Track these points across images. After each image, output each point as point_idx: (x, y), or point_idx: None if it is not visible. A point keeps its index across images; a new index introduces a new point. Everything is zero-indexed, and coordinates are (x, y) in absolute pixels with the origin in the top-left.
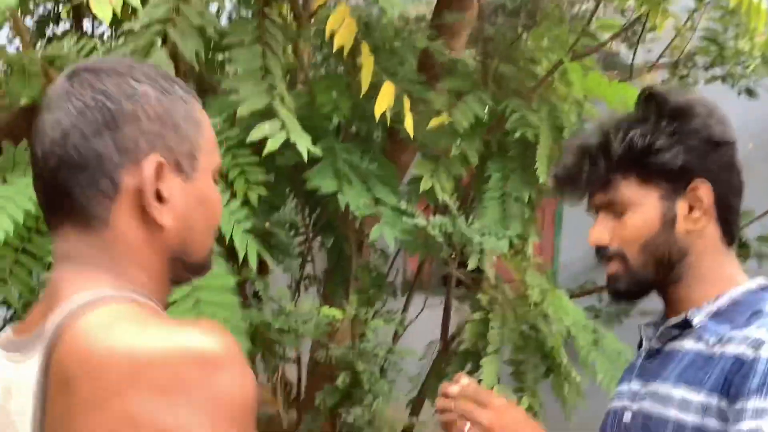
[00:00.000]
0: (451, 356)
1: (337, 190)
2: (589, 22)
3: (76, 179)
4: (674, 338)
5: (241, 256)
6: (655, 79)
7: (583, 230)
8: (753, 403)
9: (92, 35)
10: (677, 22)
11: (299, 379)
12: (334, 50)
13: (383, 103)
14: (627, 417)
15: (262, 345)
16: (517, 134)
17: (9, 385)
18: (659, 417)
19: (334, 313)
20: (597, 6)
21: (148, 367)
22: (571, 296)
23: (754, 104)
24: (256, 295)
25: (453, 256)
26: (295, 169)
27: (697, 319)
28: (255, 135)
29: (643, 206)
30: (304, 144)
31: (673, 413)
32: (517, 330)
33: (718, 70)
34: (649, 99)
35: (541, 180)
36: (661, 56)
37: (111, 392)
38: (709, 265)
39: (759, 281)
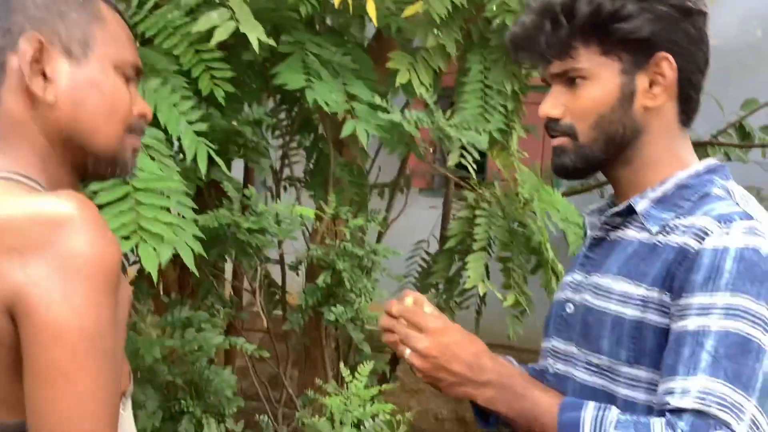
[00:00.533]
0: (439, 254)
1: (305, 86)
2: None
3: None
4: (618, 226)
5: (189, 157)
6: None
7: None
8: (698, 299)
9: None
10: None
11: (283, 279)
12: None
13: None
14: (569, 308)
15: (234, 246)
16: (498, 21)
17: None
18: (599, 310)
19: (307, 212)
20: None
21: (3, 231)
22: (573, 193)
23: None
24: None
25: (432, 151)
26: (267, 64)
27: (641, 205)
28: (201, 25)
29: (602, 78)
30: (254, 35)
31: (612, 307)
32: (505, 227)
33: None
34: None
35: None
36: None
37: None
38: (662, 146)
39: (707, 162)
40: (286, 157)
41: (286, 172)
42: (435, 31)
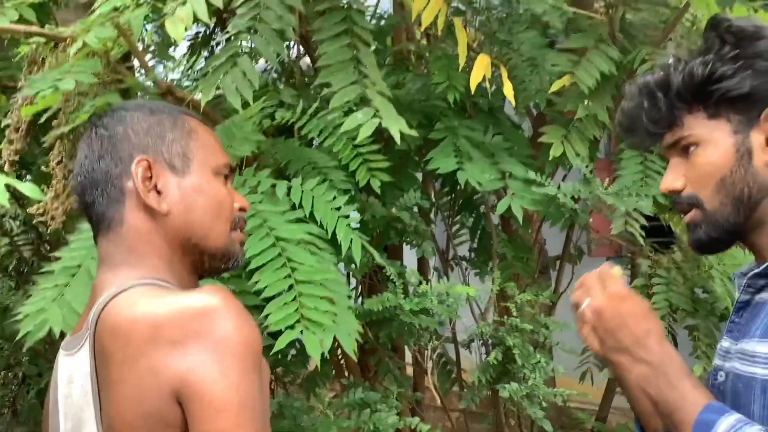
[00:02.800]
0: None
1: (456, 168)
2: None
3: (93, 195)
4: (762, 289)
5: (344, 249)
6: None
7: None
8: None
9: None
10: None
11: (458, 357)
12: (422, 28)
13: (478, 74)
14: (721, 377)
15: (399, 328)
16: None
17: (70, 374)
18: (748, 376)
19: (468, 290)
20: None
21: (162, 327)
22: None
23: None
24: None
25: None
26: (424, 151)
27: None
28: (348, 125)
29: (714, 141)
30: (396, 128)
31: (760, 371)
32: (686, 294)
33: None
34: (712, 27)
35: None
36: None
37: (137, 352)
38: None
39: None
40: (452, 237)
41: (456, 251)
42: (585, 101)
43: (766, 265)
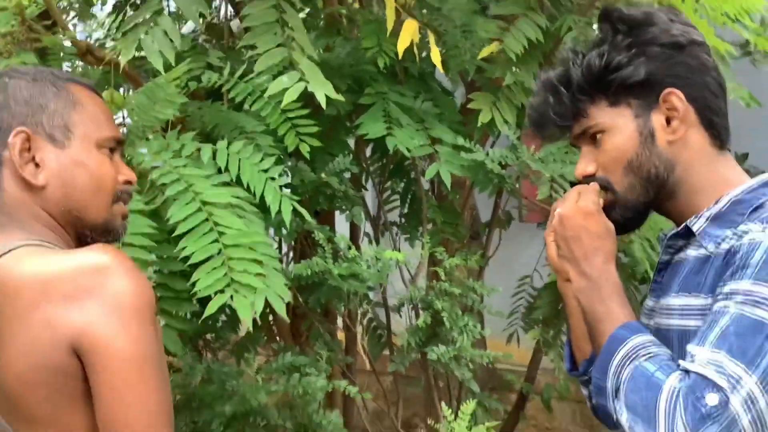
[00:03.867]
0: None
1: (385, 134)
2: None
3: None
4: (680, 249)
5: (273, 212)
6: None
7: None
8: (728, 286)
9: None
10: None
11: (388, 321)
12: None
13: (405, 40)
14: None
15: (329, 292)
16: None
17: None
18: (666, 329)
19: (397, 255)
20: None
21: (54, 282)
22: None
23: None
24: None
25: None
26: (354, 116)
27: (697, 225)
28: (273, 89)
29: (618, 127)
30: (322, 92)
31: (676, 321)
32: None
33: None
34: (605, 18)
35: None
36: None
37: (29, 306)
38: (701, 172)
39: (761, 177)
40: (383, 203)
41: (389, 217)
42: (513, 68)
43: (683, 225)
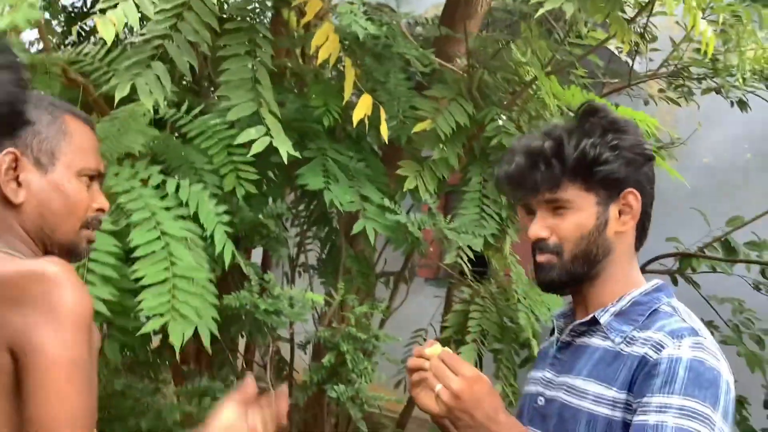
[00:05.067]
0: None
1: (323, 187)
2: (564, 39)
3: None
4: (583, 334)
5: (218, 249)
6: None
7: None
8: (656, 399)
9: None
10: (674, 33)
11: (291, 357)
12: (318, 63)
13: (360, 111)
14: (540, 401)
15: (251, 325)
16: (494, 142)
17: None
18: (575, 408)
19: (317, 298)
20: (572, 24)
21: (4, 285)
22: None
23: (752, 115)
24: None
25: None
26: (292, 166)
27: (603, 318)
28: (241, 138)
29: (583, 209)
30: (284, 148)
31: (587, 405)
32: (497, 321)
33: (714, 82)
34: (593, 112)
35: None
36: (660, 66)
37: None
38: (622, 265)
39: (654, 282)
40: (302, 246)
41: (302, 259)
42: (441, 145)
43: (590, 317)
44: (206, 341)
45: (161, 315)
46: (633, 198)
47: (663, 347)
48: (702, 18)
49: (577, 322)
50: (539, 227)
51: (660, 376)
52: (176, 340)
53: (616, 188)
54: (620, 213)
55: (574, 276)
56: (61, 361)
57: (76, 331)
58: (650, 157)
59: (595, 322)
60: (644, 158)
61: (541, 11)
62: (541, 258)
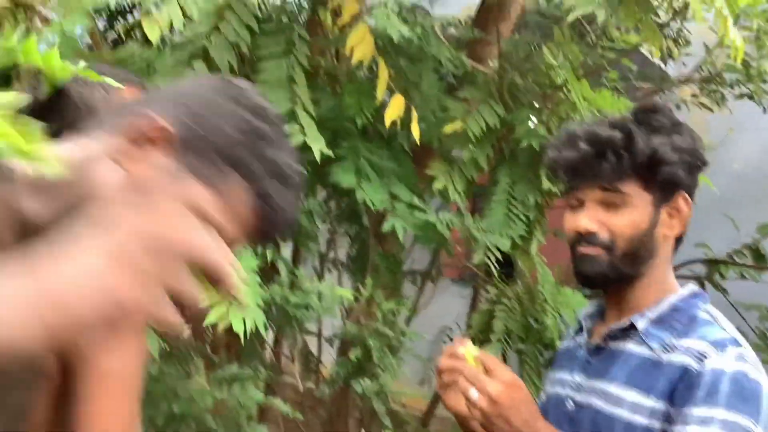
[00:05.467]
0: None
1: (355, 186)
2: (596, 42)
3: None
4: (616, 338)
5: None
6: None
7: None
8: (699, 411)
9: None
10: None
11: (319, 351)
12: (353, 64)
13: (393, 113)
14: (569, 405)
15: (282, 318)
16: (524, 143)
17: None
18: (610, 416)
19: (345, 293)
20: (605, 27)
21: None
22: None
23: None
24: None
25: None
26: (324, 163)
27: (641, 324)
28: None
29: (639, 207)
30: (317, 147)
31: (624, 413)
32: (521, 322)
33: (748, 88)
34: (655, 110)
35: (545, 187)
36: (694, 72)
37: None
38: (662, 269)
39: (690, 287)
40: (332, 242)
41: (331, 255)
42: (470, 146)
43: (627, 322)
44: (260, 327)
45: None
46: (684, 202)
47: (706, 357)
48: (736, 24)
49: (613, 327)
50: (588, 220)
51: (703, 387)
52: (239, 328)
53: (671, 191)
54: (670, 216)
55: (620, 274)
56: (117, 372)
57: (133, 338)
58: (706, 163)
59: (631, 326)
60: (701, 163)
61: (573, 15)
62: (589, 250)
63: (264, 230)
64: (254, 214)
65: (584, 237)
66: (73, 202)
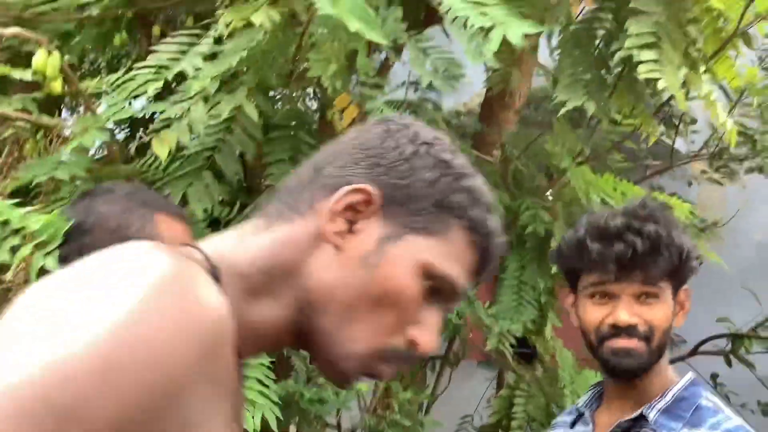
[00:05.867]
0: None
1: None
2: (596, 126)
3: None
4: (627, 429)
5: None
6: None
7: None
8: None
9: None
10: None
11: None
12: None
13: None
14: None
15: (297, 413)
16: (529, 229)
17: None
18: None
19: (361, 386)
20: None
21: None
22: None
23: None
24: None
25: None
26: None
27: (651, 415)
28: None
29: (666, 301)
30: None
31: None
32: (542, 408)
33: (756, 162)
34: (667, 208)
35: (554, 270)
36: (702, 148)
37: None
38: (666, 360)
39: (688, 376)
40: None
41: None
42: None
43: (639, 413)
44: (272, 423)
45: None
46: (685, 296)
47: None
48: (740, 101)
49: (625, 419)
50: (627, 314)
51: None
52: (248, 425)
53: (680, 286)
54: (681, 307)
55: (651, 366)
56: None
57: None
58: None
59: (641, 417)
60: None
61: (563, 110)
62: (630, 343)
63: (484, 262)
64: (474, 248)
65: (623, 330)
66: (301, 297)
